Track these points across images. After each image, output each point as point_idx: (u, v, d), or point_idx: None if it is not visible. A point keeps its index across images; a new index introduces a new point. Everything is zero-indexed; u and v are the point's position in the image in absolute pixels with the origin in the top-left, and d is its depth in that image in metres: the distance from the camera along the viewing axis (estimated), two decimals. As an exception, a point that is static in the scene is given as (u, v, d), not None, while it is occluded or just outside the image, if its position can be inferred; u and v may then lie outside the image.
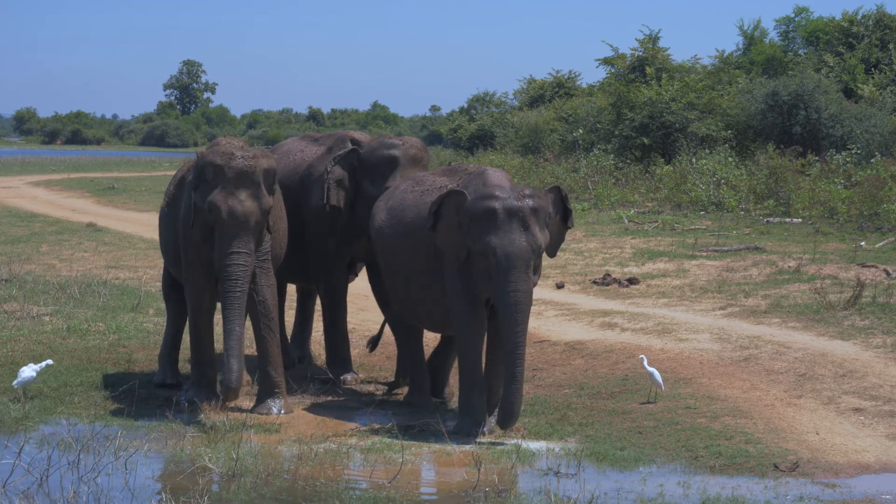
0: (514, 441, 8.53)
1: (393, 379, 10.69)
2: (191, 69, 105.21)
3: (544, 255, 8.99)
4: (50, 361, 9.77)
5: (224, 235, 9.19)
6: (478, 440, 8.58)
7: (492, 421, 8.94)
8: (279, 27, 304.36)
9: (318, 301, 11.92)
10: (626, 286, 15.37)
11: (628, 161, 29.95)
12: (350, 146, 10.56)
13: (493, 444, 8.51)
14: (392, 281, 9.67)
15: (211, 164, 9.21)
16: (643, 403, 9.61)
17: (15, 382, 9.46)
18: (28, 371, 9.43)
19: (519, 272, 8.48)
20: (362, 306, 13.55)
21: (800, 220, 21.05)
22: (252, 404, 9.59)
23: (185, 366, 10.46)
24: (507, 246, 8.47)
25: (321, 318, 12.03)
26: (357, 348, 11.94)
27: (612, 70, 35.45)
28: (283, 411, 9.44)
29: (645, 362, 9.81)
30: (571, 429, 8.94)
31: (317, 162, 10.75)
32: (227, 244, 9.18)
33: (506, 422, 8.62)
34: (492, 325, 8.99)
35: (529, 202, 8.59)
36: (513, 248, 8.48)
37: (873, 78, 32.67)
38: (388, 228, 9.53)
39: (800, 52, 38.12)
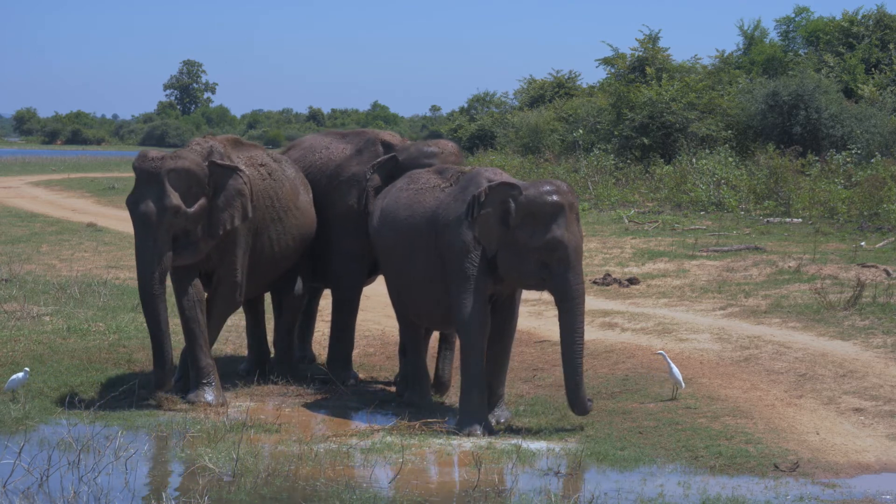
0: (514, 441, 8.53)
1: (392, 379, 10.71)
2: (191, 69, 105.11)
3: None
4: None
5: (135, 234, 9.59)
6: (479, 440, 8.57)
7: (493, 419, 8.96)
8: (280, 27, 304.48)
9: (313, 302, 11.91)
10: (627, 286, 15.37)
11: (628, 161, 29.94)
12: (381, 148, 10.53)
13: (493, 444, 8.50)
14: (392, 279, 9.69)
15: (133, 168, 9.65)
16: (664, 401, 9.63)
17: (6, 386, 9.49)
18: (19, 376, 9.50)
19: (581, 265, 8.84)
20: (362, 306, 13.54)
21: (800, 220, 21.04)
22: (253, 403, 9.61)
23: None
24: (574, 240, 8.76)
25: (320, 319, 12.05)
26: (357, 348, 11.94)
27: (613, 70, 35.45)
28: (216, 399, 9.61)
29: (667, 357, 9.83)
30: (571, 429, 8.93)
31: (345, 162, 10.68)
32: (136, 242, 9.57)
33: (583, 409, 8.90)
34: (491, 323, 9.00)
35: (577, 200, 8.91)
36: (579, 243, 8.82)
37: (873, 78, 32.67)
38: (384, 227, 9.56)
39: (800, 52, 38.10)
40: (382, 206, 9.69)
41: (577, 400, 8.85)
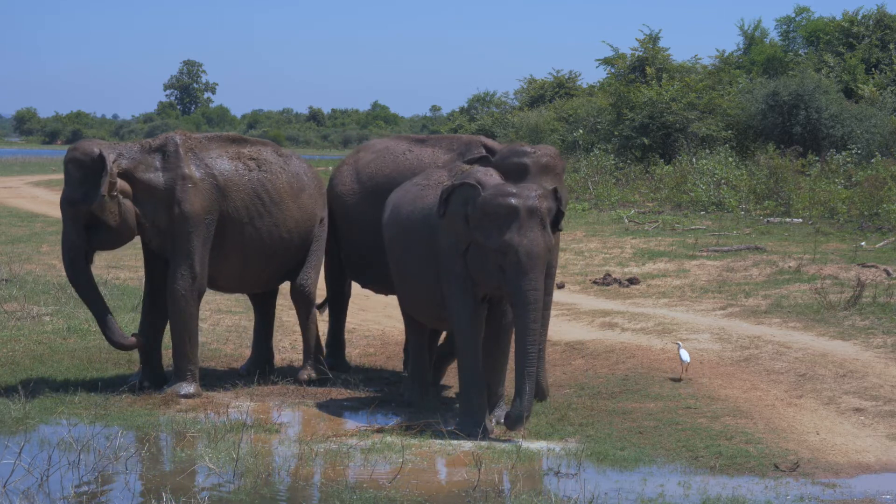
0: (514, 441, 8.53)
1: (393, 378, 10.70)
2: (191, 69, 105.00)
3: None
4: None
5: None
6: (479, 440, 8.57)
7: (493, 420, 8.94)
8: (279, 27, 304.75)
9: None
10: (627, 286, 15.38)
11: (629, 161, 29.95)
12: (484, 152, 10.18)
13: (493, 444, 8.50)
14: (396, 277, 9.68)
15: None
16: (673, 379, 10.00)
17: None
18: None
19: (538, 271, 8.55)
20: (363, 306, 13.56)
21: (800, 220, 21.05)
22: (253, 403, 9.61)
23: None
24: (529, 245, 8.51)
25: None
26: (357, 349, 11.95)
27: (613, 70, 35.46)
28: (185, 391, 9.82)
29: (679, 347, 10.28)
30: (571, 429, 8.93)
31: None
32: None
33: (516, 423, 8.61)
34: (488, 323, 8.98)
35: (545, 202, 8.65)
36: (535, 248, 8.53)
37: (874, 78, 32.68)
38: (390, 221, 9.56)
39: (800, 52, 38.13)
40: (393, 200, 9.69)
41: (515, 410, 8.56)
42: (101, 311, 9.98)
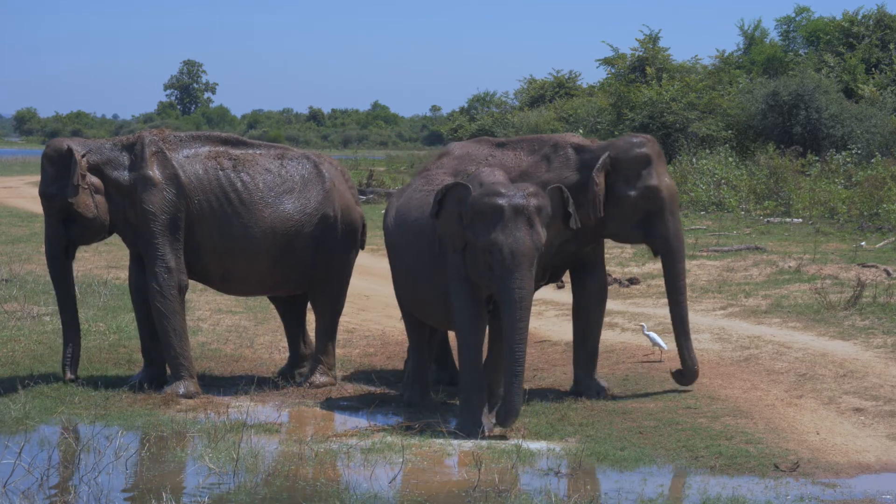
0: (514, 441, 8.52)
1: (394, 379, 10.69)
2: (191, 69, 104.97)
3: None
4: None
5: None
6: (479, 440, 8.57)
7: (492, 419, 8.94)
8: (279, 27, 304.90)
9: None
10: (627, 286, 15.38)
11: (628, 161, 29.93)
12: (571, 151, 10.02)
13: (493, 444, 8.50)
14: (399, 279, 9.69)
15: None
16: (647, 361, 10.25)
17: None
18: None
19: (524, 269, 8.54)
20: (362, 306, 13.56)
21: (800, 220, 21.06)
22: (253, 403, 9.61)
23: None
24: (513, 243, 8.52)
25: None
26: (357, 349, 11.94)
27: (613, 70, 35.46)
28: (183, 391, 9.85)
29: (645, 328, 10.86)
30: (571, 429, 8.93)
31: (532, 170, 10.00)
32: None
33: (506, 420, 8.64)
34: (490, 323, 8.98)
35: (534, 200, 8.63)
36: (519, 246, 8.53)
37: (874, 78, 32.68)
38: (396, 227, 9.58)
39: (800, 52, 38.14)
40: (397, 205, 9.71)
41: (511, 411, 8.56)
42: (68, 314, 10.20)
